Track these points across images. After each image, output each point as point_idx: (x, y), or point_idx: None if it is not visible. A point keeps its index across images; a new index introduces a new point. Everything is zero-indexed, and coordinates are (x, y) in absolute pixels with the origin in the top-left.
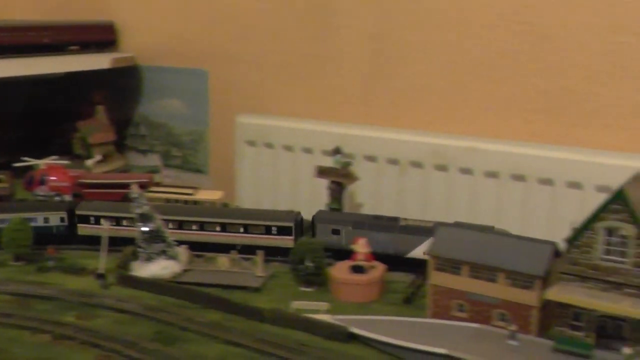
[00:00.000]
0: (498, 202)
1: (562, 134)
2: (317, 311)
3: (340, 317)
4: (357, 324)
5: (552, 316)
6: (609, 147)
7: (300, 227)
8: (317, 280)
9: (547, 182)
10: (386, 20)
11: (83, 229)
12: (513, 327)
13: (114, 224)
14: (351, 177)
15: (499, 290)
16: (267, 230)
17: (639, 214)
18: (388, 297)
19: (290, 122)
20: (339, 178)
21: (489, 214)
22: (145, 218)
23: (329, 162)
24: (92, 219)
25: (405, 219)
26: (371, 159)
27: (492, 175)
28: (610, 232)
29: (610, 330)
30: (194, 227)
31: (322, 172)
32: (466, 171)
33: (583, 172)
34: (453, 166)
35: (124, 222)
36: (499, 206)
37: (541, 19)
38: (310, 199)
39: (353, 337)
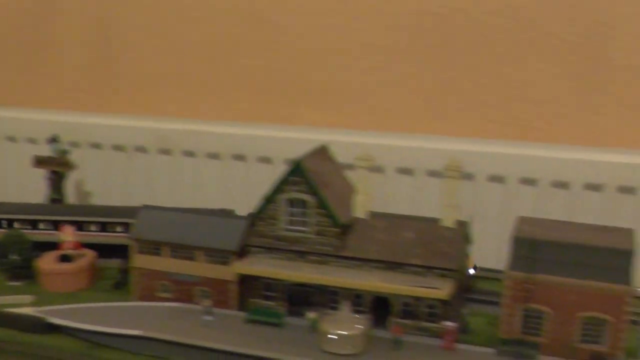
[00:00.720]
0: (222, 182)
1: (279, 113)
2: (20, 305)
3: (44, 308)
4: (59, 314)
5: (250, 289)
6: (324, 124)
7: None
8: (25, 273)
9: (266, 160)
10: (111, 4)
11: None
12: (207, 303)
13: (30, 227)
14: (68, 166)
15: (199, 268)
16: None
17: (316, 184)
18: (100, 284)
19: (11, 112)
20: (56, 167)
21: (214, 194)
22: None
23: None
24: (4, 222)
25: None
26: (96, 146)
27: (214, 156)
28: (292, 203)
29: (300, 297)
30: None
31: (40, 162)
32: (189, 154)
33: (299, 149)
34: (177, 150)
35: (41, 225)
36: (223, 186)
37: (259, 4)
38: (36, 190)
39: (54, 328)
